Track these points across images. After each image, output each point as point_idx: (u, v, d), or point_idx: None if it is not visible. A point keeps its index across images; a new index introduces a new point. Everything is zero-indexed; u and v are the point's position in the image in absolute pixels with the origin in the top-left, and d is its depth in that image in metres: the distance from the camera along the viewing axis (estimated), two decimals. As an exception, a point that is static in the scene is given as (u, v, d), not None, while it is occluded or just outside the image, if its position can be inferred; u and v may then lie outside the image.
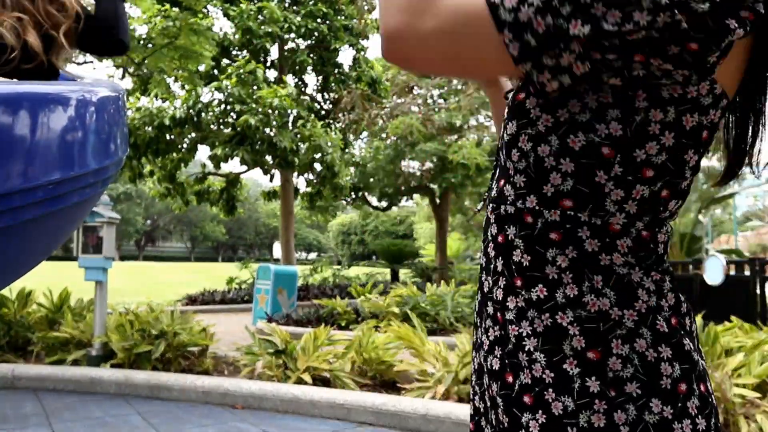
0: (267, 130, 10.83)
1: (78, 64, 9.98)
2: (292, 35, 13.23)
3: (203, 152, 14.40)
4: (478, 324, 0.79)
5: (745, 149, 0.76)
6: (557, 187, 0.69)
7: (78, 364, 4.74)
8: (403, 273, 19.71)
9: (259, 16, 12.29)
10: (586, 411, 0.65)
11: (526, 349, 0.69)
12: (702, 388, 0.68)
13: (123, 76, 11.05)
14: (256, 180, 60.06)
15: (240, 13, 12.01)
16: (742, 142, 0.76)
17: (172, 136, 11.21)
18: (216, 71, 12.65)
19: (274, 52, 13.95)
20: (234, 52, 13.33)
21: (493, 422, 0.74)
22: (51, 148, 1.20)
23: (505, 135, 0.75)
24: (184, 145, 11.74)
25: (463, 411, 3.41)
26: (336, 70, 14.36)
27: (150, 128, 10.72)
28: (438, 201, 20.25)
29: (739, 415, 2.93)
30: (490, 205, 0.77)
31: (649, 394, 0.64)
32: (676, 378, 0.65)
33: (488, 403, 0.76)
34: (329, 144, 11.51)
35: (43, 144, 1.19)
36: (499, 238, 0.74)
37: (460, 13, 0.63)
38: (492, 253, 0.75)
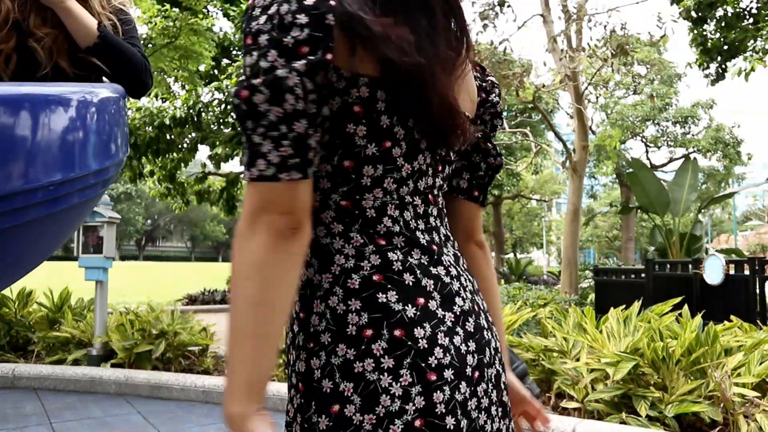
0: (267, 129, 10.82)
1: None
2: (292, 35, 13.23)
3: (203, 152, 14.42)
4: None
5: None
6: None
7: (78, 363, 4.75)
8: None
9: (259, 16, 12.30)
10: (298, 361, 0.79)
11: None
12: (398, 333, 0.75)
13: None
14: (256, 180, 60.03)
15: (240, 14, 12.01)
16: None
17: (173, 136, 11.20)
18: (216, 71, 12.65)
19: (274, 52, 13.96)
20: (234, 52, 13.34)
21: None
22: (52, 150, 1.21)
23: None
24: (185, 145, 11.74)
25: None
26: (336, 70, 14.38)
27: (150, 128, 10.73)
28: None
29: (738, 415, 2.94)
30: None
31: (337, 341, 0.76)
32: (361, 325, 0.75)
33: None
34: (329, 144, 11.51)
35: (44, 145, 1.20)
36: None
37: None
38: None
